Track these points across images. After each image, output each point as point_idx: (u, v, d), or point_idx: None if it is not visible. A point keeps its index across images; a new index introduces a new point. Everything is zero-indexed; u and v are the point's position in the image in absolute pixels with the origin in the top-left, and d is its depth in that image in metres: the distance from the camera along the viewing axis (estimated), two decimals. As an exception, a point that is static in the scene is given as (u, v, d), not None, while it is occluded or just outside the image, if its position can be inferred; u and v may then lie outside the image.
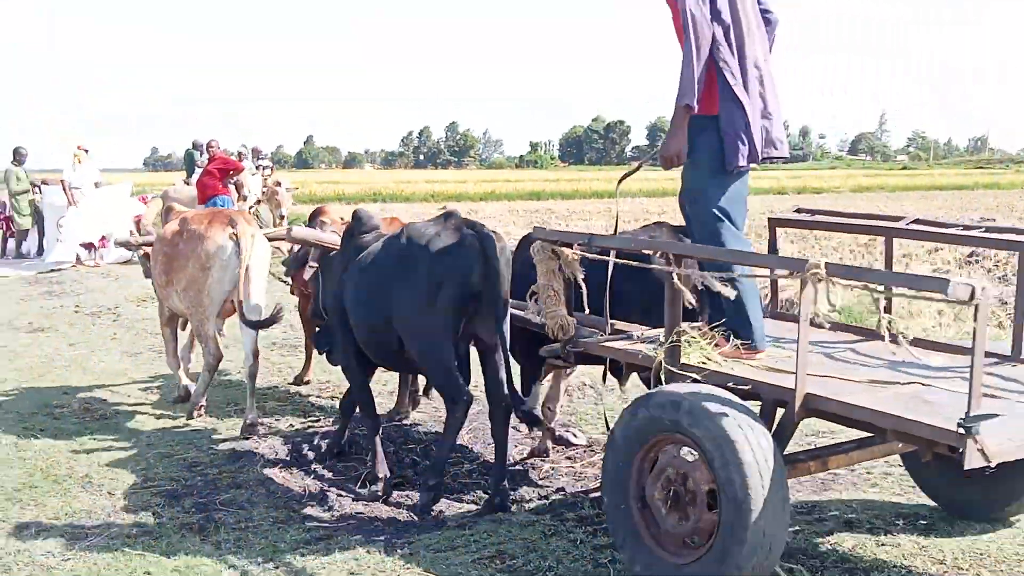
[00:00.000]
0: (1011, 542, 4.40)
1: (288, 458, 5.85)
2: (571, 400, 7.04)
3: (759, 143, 4.33)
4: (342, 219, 6.81)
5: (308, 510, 5.01)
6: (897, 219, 5.22)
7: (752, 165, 4.35)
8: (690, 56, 4.12)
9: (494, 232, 5.05)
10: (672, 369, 4.05)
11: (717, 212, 4.34)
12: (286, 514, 4.95)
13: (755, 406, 3.89)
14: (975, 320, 3.21)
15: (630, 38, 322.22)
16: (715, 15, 4.21)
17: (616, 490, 4.00)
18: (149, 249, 7.39)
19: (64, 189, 15.98)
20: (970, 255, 13.23)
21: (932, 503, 4.87)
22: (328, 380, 7.73)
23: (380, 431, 5.52)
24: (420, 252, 5.00)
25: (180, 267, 6.61)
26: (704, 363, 4.05)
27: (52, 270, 15.51)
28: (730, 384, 3.93)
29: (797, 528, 4.56)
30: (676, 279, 4.01)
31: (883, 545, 4.39)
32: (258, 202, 15.21)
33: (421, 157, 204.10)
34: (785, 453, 3.80)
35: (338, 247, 5.87)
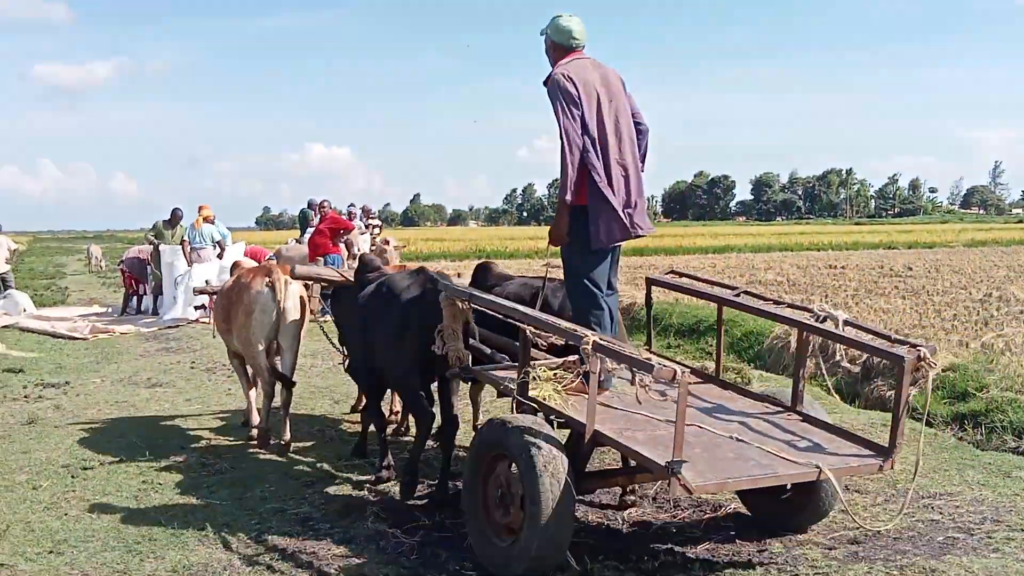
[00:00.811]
0: None
1: (398, 514, 5.89)
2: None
3: (620, 229, 5.49)
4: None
5: (419, 569, 5.03)
6: (733, 288, 6.36)
7: (615, 244, 5.63)
8: (565, 161, 5.32)
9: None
10: (520, 399, 5.18)
11: (586, 282, 5.59)
12: (396, 570, 4.98)
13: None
14: (677, 397, 4.36)
15: (734, 94, 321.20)
16: (584, 129, 5.38)
17: (469, 489, 5.18)
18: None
19: (183, 250, 16.54)
20: None
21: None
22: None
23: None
24: (393, 299, 6.25)
25: (234, 313, 7.81)
26: (543, 398, 5.14)
27: (169, 327, 15.98)
28: (552, 416, 5.11)
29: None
30: (527, 331, 5.11)
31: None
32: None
33: (524, 214, 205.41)
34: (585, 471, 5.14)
35: (335, 280, 7.48)
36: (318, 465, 7.07)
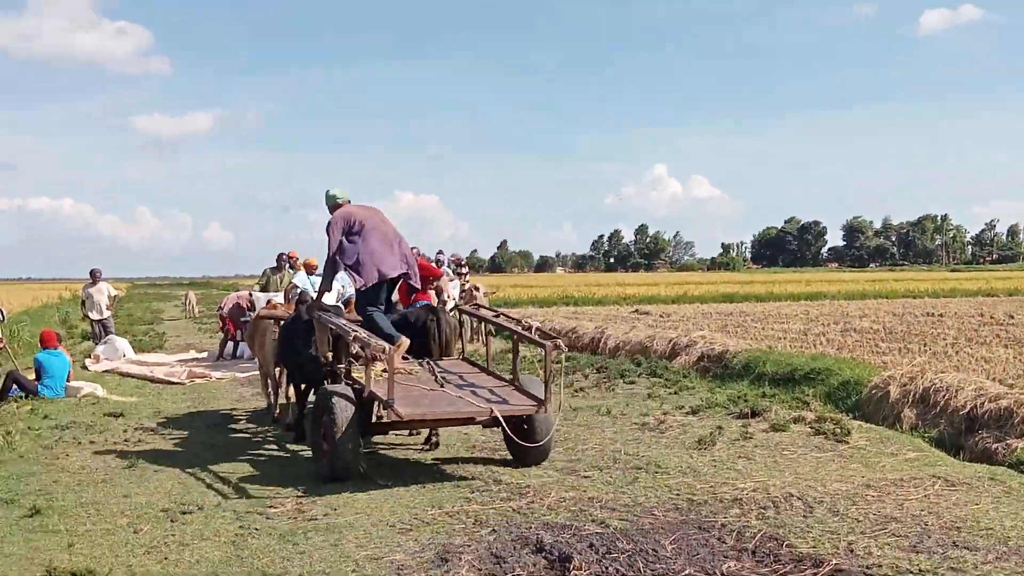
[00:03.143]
0: None
1: (493, 564, 5.83)
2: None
3: (374, 274, 9.04)
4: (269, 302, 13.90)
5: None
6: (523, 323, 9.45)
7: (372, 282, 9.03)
8: (330, 249, 9.18)
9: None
10: (341, 377, 8.87)
11: (366, 307, 9.13)
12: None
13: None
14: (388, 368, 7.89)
15: (826, 139, 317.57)
16: (347, 231, 9.16)
17: (312, 428, 8.53)
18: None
19: (286, 296, 16.79)
20: None
21: None
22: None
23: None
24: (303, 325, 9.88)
25: (258, 338, 12.12)
26: (357, 376, 8.63)
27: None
28: (356, 386, 8.40)
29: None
30: (351, 338, 8.41)
31: None
32: (456, 307, 15.61)
33: (611, 260, 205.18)
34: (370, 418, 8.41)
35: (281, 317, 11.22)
36: (412, 511, 7.05)
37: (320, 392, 8.50)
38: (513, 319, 9.80)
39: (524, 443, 8.39)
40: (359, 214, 9.30)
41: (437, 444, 9.49)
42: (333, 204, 9.57)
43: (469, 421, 8.38)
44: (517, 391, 8.68)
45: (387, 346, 7.99)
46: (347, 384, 8.55)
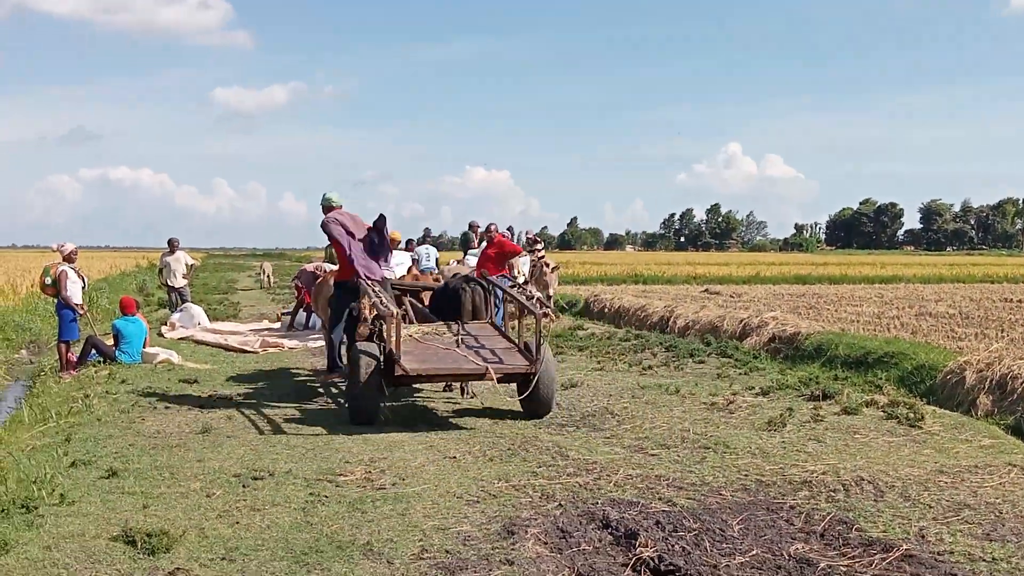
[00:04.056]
0: None
1: (559, 538, 5.85)
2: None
3: (362, 273, 10.76)
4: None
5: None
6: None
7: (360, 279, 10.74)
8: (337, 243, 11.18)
9: None
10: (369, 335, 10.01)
11: (340, 296, 11.15)
12: (557, 595, 4.94)
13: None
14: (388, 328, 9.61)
15: (905, 120, 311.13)
16: (341, 235, 11.04)
17: (347, 379, 10.07)
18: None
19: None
20: None
21: None
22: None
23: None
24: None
25: (322, 301, 13.46)
26: (385, 335, 9.70)
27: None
28: (377, 341, 9.78)
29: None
30: (370, 304, 10.15)
31: None
32: (525, 282, 15.64)
33: (682, 239, 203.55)
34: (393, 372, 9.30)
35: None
36: (479, 483, 7.09)
37: (351, 349, 9.98)
38: (521, 291, 11.28)
39: (519, 397, 9.72)
40: (349, 223, 11.20)
41: (473, 395, 11.14)
42: (328, 206, 11.38)
43: (467, 377, 9.87)
44: (519, 353, 9.83)
45: (394, 311, 9.53)
46: (376, 343, 9.78)
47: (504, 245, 14.83)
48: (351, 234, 11.07)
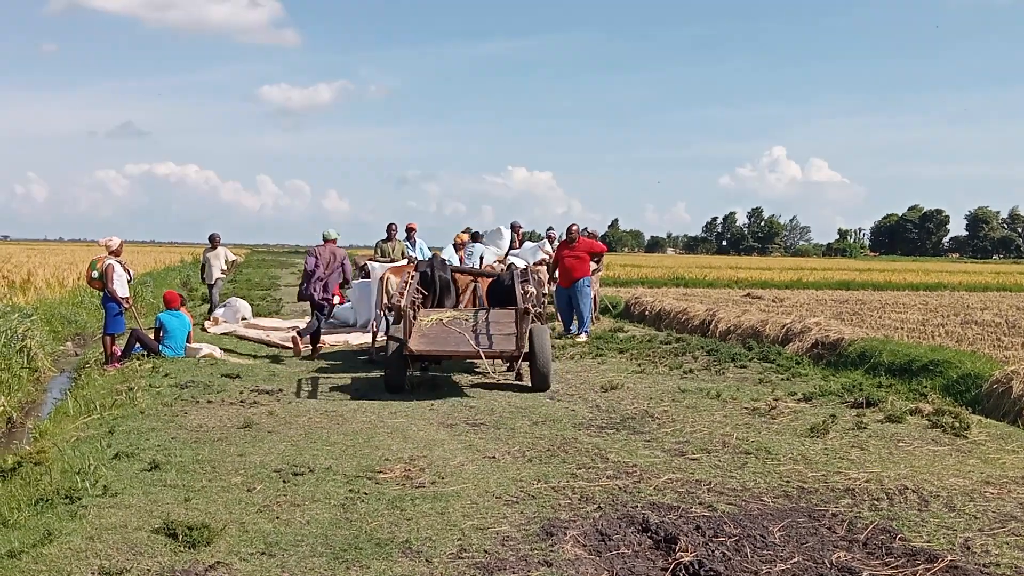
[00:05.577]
0: None
1: (599, 541, 5.82)
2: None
3: (314, 294, 14.92)
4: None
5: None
6: None
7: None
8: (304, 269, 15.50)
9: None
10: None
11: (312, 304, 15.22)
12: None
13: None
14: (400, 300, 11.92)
15: (952, 125, 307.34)
16: (308, 263, 15.15)
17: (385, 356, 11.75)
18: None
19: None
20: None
21: None
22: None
23: None
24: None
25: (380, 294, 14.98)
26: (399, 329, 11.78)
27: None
28: (396, 334, 11.67)
29: None
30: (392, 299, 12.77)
31: None
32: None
33: (724, 242, 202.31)
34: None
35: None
36: (519, 484, 7.08)
37: (387, 332, 13.11)
38: (523, 288, 12.55)
39: (511, 375, 12.51)
40: (326, 255, 14.94)
41: (520, 375, 12.41)
42: (327, 239, 15.10)
43: (463, 356, 11.58)
44: (513, 338, 11.35)
45: (405, 304, 11.64)
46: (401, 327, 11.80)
47: (594, 246, 17.40)
48: (318, 265, 14.87)
